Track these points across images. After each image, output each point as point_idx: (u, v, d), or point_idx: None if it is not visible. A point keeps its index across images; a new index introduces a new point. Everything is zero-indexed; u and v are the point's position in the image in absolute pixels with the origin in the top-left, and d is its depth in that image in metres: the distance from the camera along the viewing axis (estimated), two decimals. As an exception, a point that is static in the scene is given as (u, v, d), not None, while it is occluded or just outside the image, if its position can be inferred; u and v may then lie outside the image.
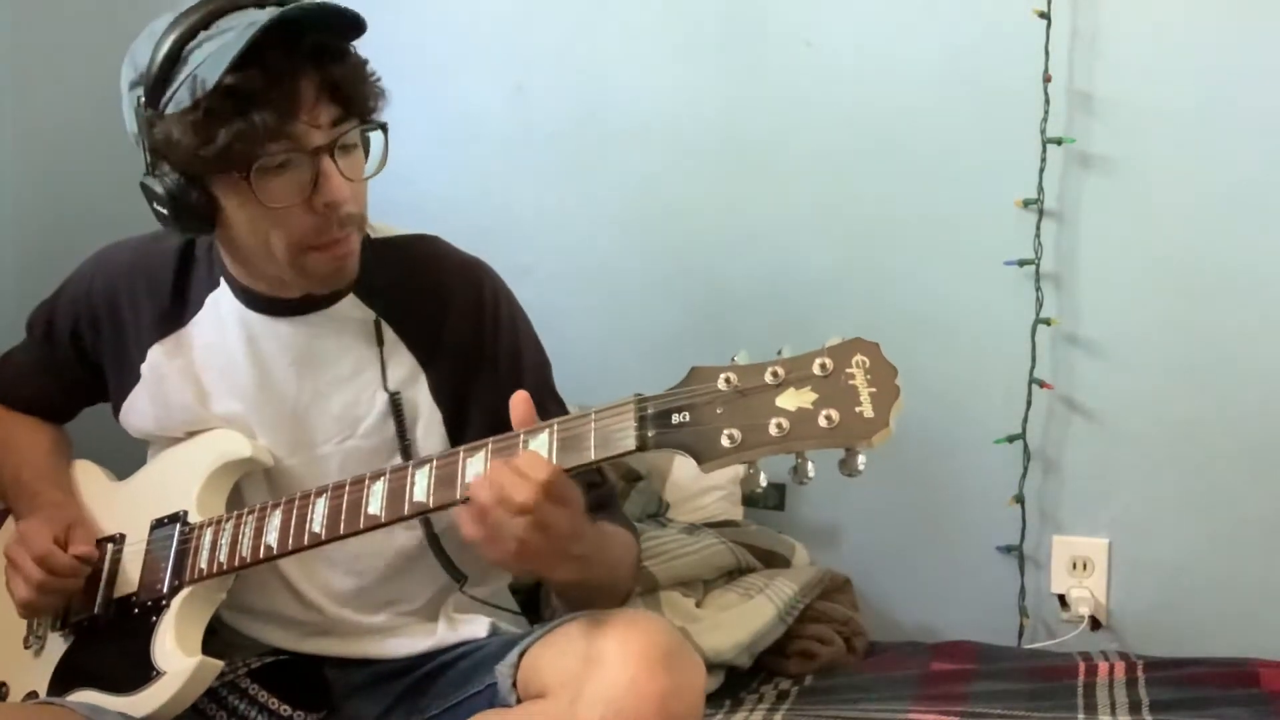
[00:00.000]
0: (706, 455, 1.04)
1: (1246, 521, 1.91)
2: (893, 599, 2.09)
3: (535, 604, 1.88)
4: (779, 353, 1.04)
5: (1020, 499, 2.01)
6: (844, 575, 1.97)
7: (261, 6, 1.23)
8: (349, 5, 1.23)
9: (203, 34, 1.21)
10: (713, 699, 1.65)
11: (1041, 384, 1.97)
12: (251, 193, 1.22)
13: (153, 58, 1.22)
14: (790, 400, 1.02)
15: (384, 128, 1.29)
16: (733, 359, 1.05)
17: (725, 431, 1.03)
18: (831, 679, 1.76)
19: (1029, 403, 1.98)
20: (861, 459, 1.02)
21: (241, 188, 1.22)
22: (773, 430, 1.01)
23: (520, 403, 1.15)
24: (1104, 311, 1.96)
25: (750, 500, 2.11)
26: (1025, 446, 1.99)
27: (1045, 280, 1.96)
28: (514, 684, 1.25)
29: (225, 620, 1.43)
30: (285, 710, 1.40)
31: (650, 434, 1.06)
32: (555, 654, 1.22)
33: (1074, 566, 2.00)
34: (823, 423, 1.01)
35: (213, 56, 1.19)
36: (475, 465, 1.16)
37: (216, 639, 1.42)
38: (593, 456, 1.09)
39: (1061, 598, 2.01)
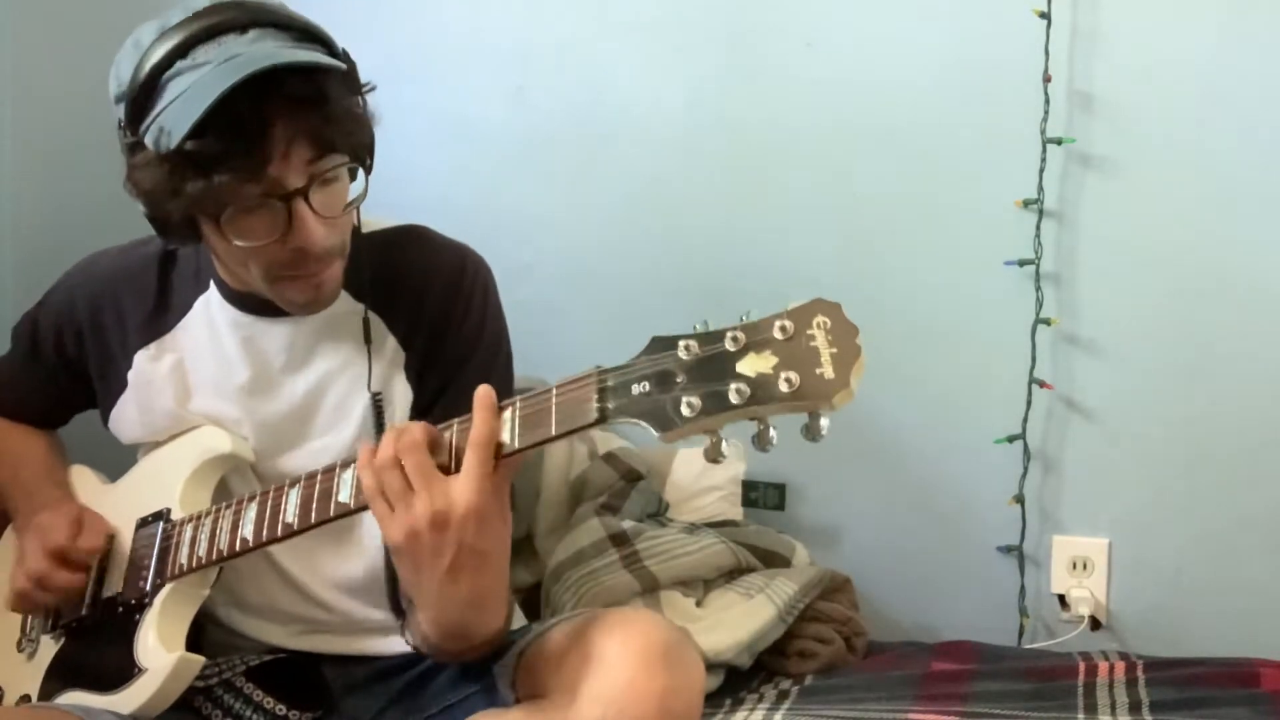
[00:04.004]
0: (667, 425, 1.01)
1: (1246, 521, 1.91)
2: (893, 599, 2.08)
3: (535, 604, 1.89)
4: (742, 318, 1.02)
5: (1020, 499, 2.01)
6: (844, 575, 1.97)
7: (244, 31, 1.18)
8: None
9: (180, 63, 1.17)
10: (713, 699, 1.65)
11: (1041, 384, 1.97)
12: (222, 233, 1.21)
13: (134, 77, 1.19)
14: (750, 365, 0.99)
15: (366, 166, 1.26)
16: (694, 327, 1.03)
17: (685, 400, 1.00)
18: (831, 679, 1.76)
19: (1029, 403, 1.98)
20: (825, 422, 0.99)
21: (213, 226, 1.22)
22: (733, 397, 0.98)
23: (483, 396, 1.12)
24: (1104, 311, 1.96)
25: (749, 501, 2.11)
26: (1025, 446, 1.99)
27: (1045, 280, 1.96)
28: (512, 683, 1.25)
29: (223, 619, 1.43)
30: (281, 709, 1.39)
31: (611, 405, 1.04)
32: (554, 653, 1.22)
33: (1074, 566, 2.00)
34: (783, 386, 0.97)
35: (182, 102, 1.15)
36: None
37: (215, 638, 1.43)
38: (554, 431, 1.08)
39: (1061, 598, 2.01)
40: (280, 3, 1.25)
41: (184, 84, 1.16)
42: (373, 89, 1.26)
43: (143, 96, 1.18)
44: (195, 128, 1.11)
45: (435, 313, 1.38)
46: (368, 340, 1.36)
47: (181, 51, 1.17)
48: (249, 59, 1.15)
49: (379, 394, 1.36)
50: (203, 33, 1.17)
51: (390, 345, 1.38)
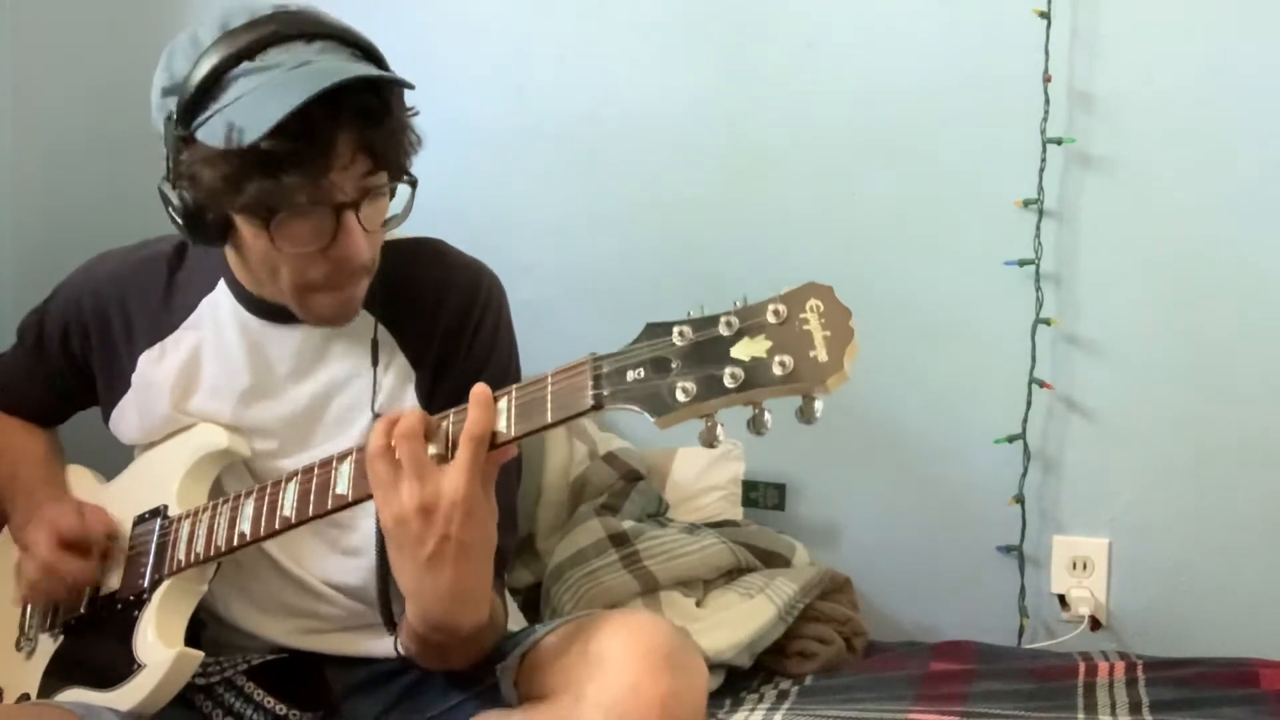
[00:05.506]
0: (661, 410, 1.01)
1: (1246, 521, 1.91)
2: (893, 599, 2.08)
3: (535, 604, 1.89)
4: (735, 303, 1.03)
5: (1020, 499, 2.01)
6: (844, 575, 1.97)
7: (311, 41, 1.20)
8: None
9: (247, 64, 1.17)
10: (713, 699, 1.65)
11: (1041, 384, 1.97)
12: (269, 235, 1.21)
13: (192, 72, 1.18)
14: (745, 349, 1.00)
15: (414, 183, 1.27)
16: (689, 313, 1.04)
17: (680, 385, 1.00)
18: (831, 679, 1.76)
19: (1029, 403, 1.98)
20: (819, 405, 0.99)
21: (260, 227, 1.22)
22: (727, 381, 0.99)
23: (480, 392, 1.13)
24: (1104, 311, 1.96)
25: (749, 501, 2.11)
26: (1025, 446, 1.99)
27: (1045, 280, 1.96)
28: (515, 684, 1.25)
29: (224, 616, 1.43)
30: (282, 709, 1.39)
31: (606, 392, 1.04)
32: (557, 655, 1.22)
33: (1074, 566, 2.00)
34: (777, 370, 0.98)
35: (253, 99, 1.16)
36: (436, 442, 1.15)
37: (216, 636, 1.43)
38: (550, 419, 1.08)
39: (1061, 598, 2.01)
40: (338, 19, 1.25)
41: (252, 83, 1.17)
42: (417, 114, 1.27)
43: (202, 90, 1.18)
44: (275, 127, 1.12)
45: (447, 331, 1.38)
46: (375, 363, 1.36)
47: (249, 53, 1.18)
48: (323, 68, 1.17)
49: (380, 416, 1.35)
50: (272, 37, 1.18)
51: (400, 362, 1.38)
